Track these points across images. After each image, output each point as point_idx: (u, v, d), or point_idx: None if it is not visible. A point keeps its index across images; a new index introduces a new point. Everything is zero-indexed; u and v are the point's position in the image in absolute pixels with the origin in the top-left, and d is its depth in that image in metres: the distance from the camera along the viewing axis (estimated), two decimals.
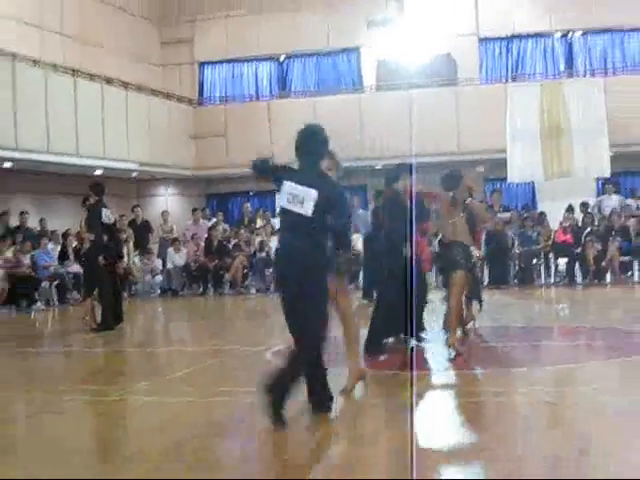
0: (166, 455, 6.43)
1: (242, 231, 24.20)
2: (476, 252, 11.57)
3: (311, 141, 7.37)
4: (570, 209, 22.85)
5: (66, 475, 6.01)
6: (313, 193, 7.13)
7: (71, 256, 20.90)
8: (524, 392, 8.44)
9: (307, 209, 7.13)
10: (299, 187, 7.17)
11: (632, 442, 6.39)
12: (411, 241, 10.31)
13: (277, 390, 6.97)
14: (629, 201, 23.63)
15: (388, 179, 11.21)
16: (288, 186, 7.22)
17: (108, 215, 15.06)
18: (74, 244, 20.81)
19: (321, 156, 7.45)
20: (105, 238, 14.85)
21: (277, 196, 7.81)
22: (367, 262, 17.26)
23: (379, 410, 8.16)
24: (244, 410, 7.61)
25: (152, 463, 6.21)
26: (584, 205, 23.08)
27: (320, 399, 7.38)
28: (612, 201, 23.32)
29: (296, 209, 7.16)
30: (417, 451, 6.09)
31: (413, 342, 10.74)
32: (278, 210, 7.56)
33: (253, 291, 23.01)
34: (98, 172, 22.49)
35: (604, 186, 24.51)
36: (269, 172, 7.63)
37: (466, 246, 10.50)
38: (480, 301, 12.50)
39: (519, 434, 6.81)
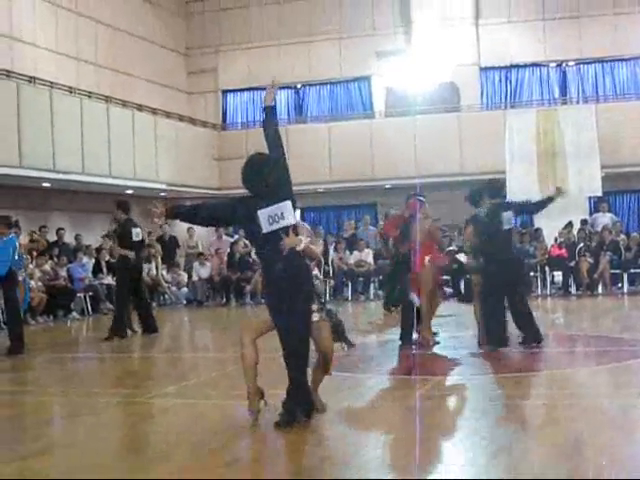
0: (191, 453, 6.44)
1: None
2: None
3: (265, 170, 7.13)
4: (569, 225, 22.81)
5: (100, 473, 6.04)
6: (287, 204, 7.02)
7: (104, 269, 20.95)
8: (524, 395, 8.43)
9: (289, 218, 7.01)
10: (275, 206, 6.98)
11: (624, 437, 6.41)
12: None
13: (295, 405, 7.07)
14: None
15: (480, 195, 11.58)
16: (263, 213, 6.97)
17: (138, 233, 15.04)
18: (107, 258, 20.91)
19: (275, 180, 7.10)
20: (133, 255, 14.86)
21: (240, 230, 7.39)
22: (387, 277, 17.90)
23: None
24: (261, 412, 7.57)
25: (177, 462, 6.22)
26: (584, 222, 23.03)
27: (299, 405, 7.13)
28: (605, 218, 23.29)
29: (279, 225, 6.97)
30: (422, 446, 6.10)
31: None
32: (255, 237, 7.17)
33: None
34: (129, 192, 22.56)
35: (596, 204, 24.49)
36: (227, 213, 7.36)
37: None
38: None
39: (521, 430, 6.80)
